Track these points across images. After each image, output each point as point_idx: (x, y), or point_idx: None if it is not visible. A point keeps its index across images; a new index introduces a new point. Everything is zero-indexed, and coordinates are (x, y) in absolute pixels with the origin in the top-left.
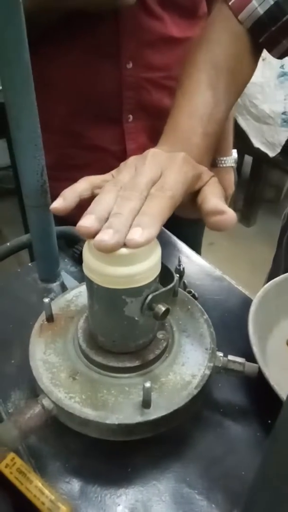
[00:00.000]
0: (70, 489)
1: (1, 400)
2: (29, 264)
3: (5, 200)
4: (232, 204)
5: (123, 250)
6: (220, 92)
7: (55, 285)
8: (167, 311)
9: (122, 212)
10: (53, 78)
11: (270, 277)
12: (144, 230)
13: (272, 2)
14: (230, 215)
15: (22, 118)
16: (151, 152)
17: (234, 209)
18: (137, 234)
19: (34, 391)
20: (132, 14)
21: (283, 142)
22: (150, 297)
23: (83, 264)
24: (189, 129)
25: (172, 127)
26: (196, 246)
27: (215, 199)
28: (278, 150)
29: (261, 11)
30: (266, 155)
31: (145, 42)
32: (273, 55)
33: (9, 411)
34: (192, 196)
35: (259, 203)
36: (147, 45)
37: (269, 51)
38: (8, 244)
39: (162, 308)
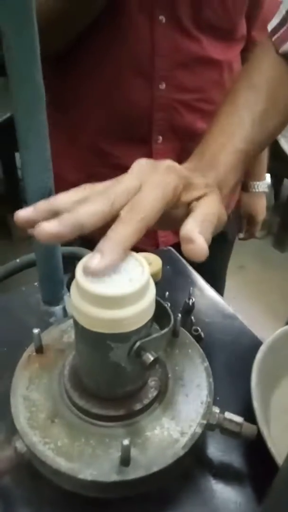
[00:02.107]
0: None
1: None
2: (35, 284)
3: None
4: (266, 228)
5: (111, 292)
6: (257, 114)
7: (57, 309)
8: (155, 361)
9: (76, 209)
10: (85, 93)
11: None
12: (103, 258)
13: None
14: (198, 245)
15: (31, 139)
16: (136, 161)
17: (268, 233)
18: (94, 261)
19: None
20: (168, 34)
21: None
22: (138, 343)
23: (70, 301)
24: (218, 146)
25: (201, 146)
26: (220, 271)
27: (190, 224)
28: None
29: None
30: None
31: (179, 63)
32: None
33: None
34: (183, 211)
35: None
36: (182, 66)
37: None
38: (18, 260)
39: (150, 357)
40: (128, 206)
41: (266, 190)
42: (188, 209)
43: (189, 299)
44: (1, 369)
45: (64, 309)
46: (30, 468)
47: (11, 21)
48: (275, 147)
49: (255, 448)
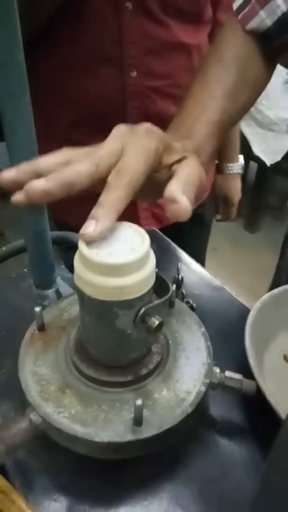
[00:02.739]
0: (57, 507)
1: None
2: (25, 270)
3: (7, 202)
4: (237, 210)
5: (115, 260)
6: (228, 87)
7: (50, 292)
8: (161, 325)
9: (64, 169)
10: (55, 85)
11: (272, 286)
12: (98, 223)
13: (280, 14)
14: (181, 204)
15: (17, 123)
16: (116, 127)
17: (238, 215)
18: (91, 228)
19: (24, 403)
20: (135, 21)
21: (286, 149)
22: (143, 310)
23: (74, 274)
24: (192, 118)
25: (176, 120)
26: (199, 253)
27: (173, 185)
28: (279, 158)
29: (269, 22)
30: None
31: (149, 49)
32: (281, 64)
33: None
34: (165, 174)
35: (264, 210)
36: (152, 52)
37: (276, 61)
38: (3, 248)
39: (155, 321)
40: (114, 172)
41: (240, 171)
42: (169, 172)
43: (178, 274)
44: (3, 351)
45: (57, 292)
46: (44, 440)
47: None
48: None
49: (253, 404)
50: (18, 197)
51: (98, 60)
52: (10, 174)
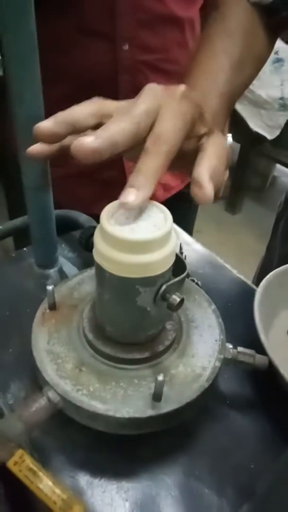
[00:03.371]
0: (75, 484)
1: (0, 393)
2: (25, 249)
3: None
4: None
5: (140, 237)
6: (235, 59)
7: (52, 271)
8: (182, 301)
9: (108, 127)
10: (46, 58)
11: (264, 265)
12: (139, 192)
13: None
14: (206, 191)
15: (25, 92)
16: (148, 85)
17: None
18: (131, 197)
19: (35, 381)
20: None
21: (282, 125)
22: (164, 287)
23: (94, 251)
24: (203, 88)
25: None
26: (188, 231)
27: (201, 168)
28: (278, 132)
29: None
30: (255, 142)
31: (142, 22)
32: (282, 39)
33: (9, 402)
34: (193, 145)
35: (245, 191)
36: (145, 26)
37: (278, 34)
38: (1, 227)
39: (177, 298)
40: (153, 137)
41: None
42: (197, 143)
43: (181, 253)
44: (9, 331)
45: (60, 271)
46: (58, 418)
47: None
48: None
49: (261, 378)
50: (39, 148)
51: (90, 33)
52: (48, 125)
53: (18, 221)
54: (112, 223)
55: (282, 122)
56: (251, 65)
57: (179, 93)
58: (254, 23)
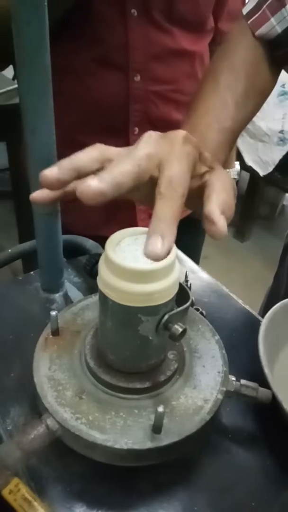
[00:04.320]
0: None
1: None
2: (31, 273)
3: None
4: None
5: (144, 267)
6: (238, 94)
7: (57, 296)
8: (184, 331)
9: (110, 169)
10: (60, 86)
11: (271, 295)
12: (164, 240)
13: None
14: (219, 226)
15: (38, 123)
16: (147, 132)
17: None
18: (158, 246)
19: (35, 407)
20: (140, 27)
21: (276, 161)
22: (166, 316)
23: (98, 278)
24: (205, 125)
25: (187, 124)
26: (195, 258)
27: (212, 205)
28: (270, 169)
29: (279, 29)
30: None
31: (153, 55)
32: (287, 71)
33: (8, 428)
34: (196, 183)
35: (254, 219)
36: (155, 58)
37: (282, 67)
38: (9, 250)
39: (179, 328)
40: (166, 182)
41: (236, 177)
42: (201, 182)
43: (186, 281)
44: (12, 355)
45: (65, 296)
46: (57, 447)
47: (22, 7)
48: None
49: (264, 412)
50: (43, 195)
51: (105, 64)
52: (53, 172)
53: (27, 245)
54: (117, 252)
55: (277, 159)
56: (255, 99)
57: (180, 137)
58: (258, 57)
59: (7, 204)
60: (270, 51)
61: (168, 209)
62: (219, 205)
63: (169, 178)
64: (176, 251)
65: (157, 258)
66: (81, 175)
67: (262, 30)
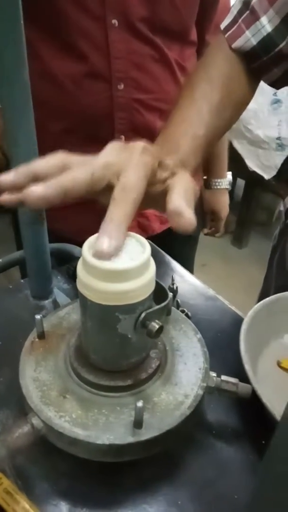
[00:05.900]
0: None
1: None
2: (21, 281)
3: None
4: (225, 227)
5: (118, 266)
6: (213, 103)
7: (47, 302)
8: (161, 329)
9: (60, 176)
10: (46, 95)
11: (261, 296)
12: (112, 240)
13: (264, 34)
14: (187, 217)
15: (19, 136)
16: (110, 143)
17: (226, 231)
18: (105, 245)
19: (23, 410)
20: (121, 37)
21: (279, 165)
22: (143, 314)
23: (77, 280)
24: (179, 133)
25: (163, 134)
26: (188, 266)
27: (176, 200)
28: (274, 173)
29: (254, 41)
30: (259, 178)
31: (136, 64)
32: (265, 81)
33: None
34: (159, 188)
35: (251, 225)
36: (138, 68)
37: (260, 78)
38: (0, 260)
39: (155, 325)
40: (119, 188)
41: (228, 187)
42: (164, 186)
43: (172, 284)
44: (1, 361)
45: (54, 302)
46: (43, 446)
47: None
48: (229, 148)
49: (247, 408)
50: (6, 198)
51: (87, 73)
52: (9, 177)
53: (18, 254)
54: (92, 253)
55: (278, 163)
56: (231, 108)
57: (139, 148)
58: (234, 69)
59: (6, 218)
60: (246, 63)
61: (118, 212)
62: (181, 198)
63: (123, 185)
64: (149, 251)
65: (103, 257)
66: (40, 180)
67: (238, 43)
